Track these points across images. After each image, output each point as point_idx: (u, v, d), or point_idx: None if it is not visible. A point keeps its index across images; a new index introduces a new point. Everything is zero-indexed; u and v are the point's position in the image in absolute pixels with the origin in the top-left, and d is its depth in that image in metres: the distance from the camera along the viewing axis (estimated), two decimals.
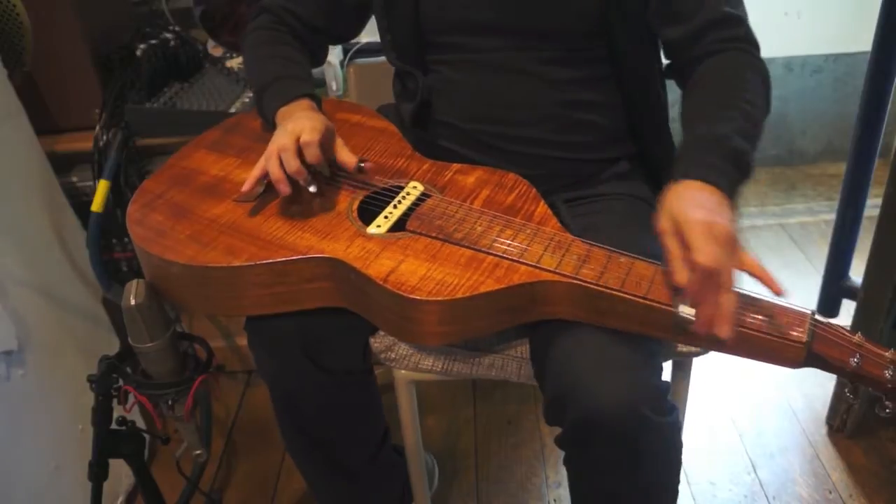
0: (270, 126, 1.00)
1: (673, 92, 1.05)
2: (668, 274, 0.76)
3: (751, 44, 0.94)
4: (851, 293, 1.54)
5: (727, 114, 0.86)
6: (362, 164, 0.95)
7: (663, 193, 0.79)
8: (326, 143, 0.94)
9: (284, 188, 0.90)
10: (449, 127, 1.06)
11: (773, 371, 1.63)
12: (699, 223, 0.72)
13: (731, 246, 0.72)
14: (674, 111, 1.08)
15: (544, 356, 0.85)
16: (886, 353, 0.74)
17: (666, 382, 0.84)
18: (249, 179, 0.92)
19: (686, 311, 0.75)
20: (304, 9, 1.09)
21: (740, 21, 0.93)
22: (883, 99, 1.39)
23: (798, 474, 1.43)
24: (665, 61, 1.02)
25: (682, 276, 0.72)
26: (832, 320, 0.83)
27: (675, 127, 1.08)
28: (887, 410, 0.73)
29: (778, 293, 0.73)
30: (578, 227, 0.94)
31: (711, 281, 0.71)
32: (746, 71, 0.91)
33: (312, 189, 0.92)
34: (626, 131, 1.04)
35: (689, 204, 0.75)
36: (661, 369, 0.87)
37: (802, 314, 0.76)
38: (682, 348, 0.95)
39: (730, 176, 0.80)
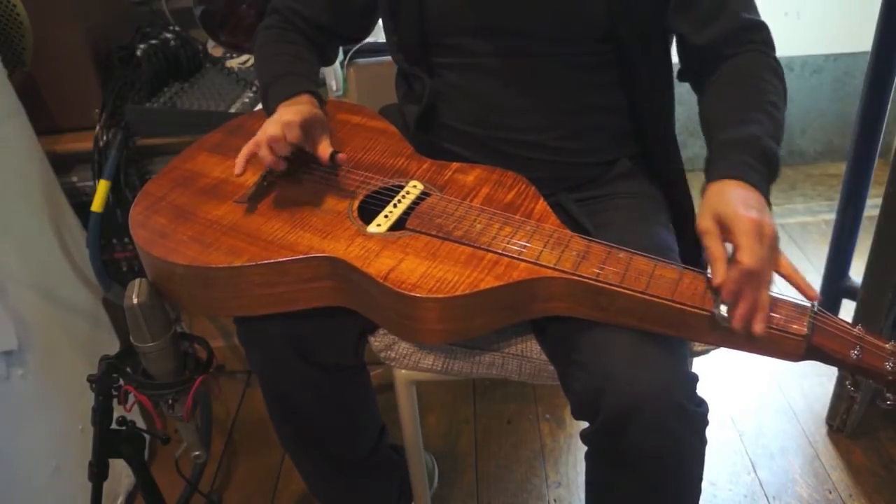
0: None
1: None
2: (696, 278, 0.78)
3: (768, 46, 0.96)
4: (851, 293, 1.54)
5: (754, 116, 0.87)
6: (336, 155, 0.95)
7: (703, 193, 0.82)
8: (309, 128, 0.95)
9: (279, 165, 0.92)
10: (453, 130, 1.06)
11: (774, 371, 1.64)
12: (750, 222, 0.74)
13: (775, 247, 0.76)
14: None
15: (570, 351, 0.85)
16: (887, 345, 0.74)
17: (695, 373, 0.84)
18: (238, 160, 0.93)
19: (722, 310, 0.76)
20: (310, 9, 1.10)
21: (759, 26, 0.95)
22: (883, 99, 1.39)
23: (798, 474, 1.42)
24: (676, 62, 1.02)
25: (721, 276, 0.74)
26: None
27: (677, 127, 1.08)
28: (888, 402, 0.74)
29: (812, 298, 0.75)
30: (591, 225, 0.95)
31: (752, 281, 0.73)
32: (766, 72, 0.93)
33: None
34: (630, 133, 1.04)
35: (737, 203, 0.77)
36: (688, 360, 0.87)
37: (803, 307, 0.77)
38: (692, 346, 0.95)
39: (765, 176, 0.82)
